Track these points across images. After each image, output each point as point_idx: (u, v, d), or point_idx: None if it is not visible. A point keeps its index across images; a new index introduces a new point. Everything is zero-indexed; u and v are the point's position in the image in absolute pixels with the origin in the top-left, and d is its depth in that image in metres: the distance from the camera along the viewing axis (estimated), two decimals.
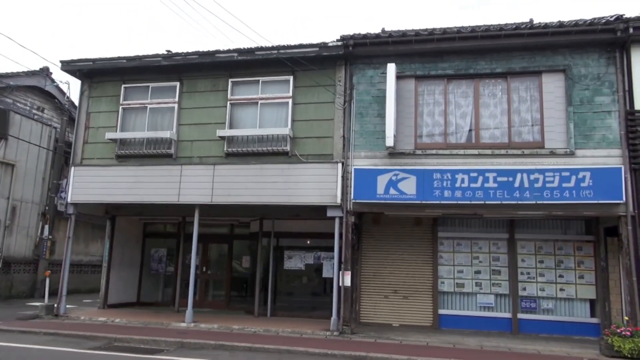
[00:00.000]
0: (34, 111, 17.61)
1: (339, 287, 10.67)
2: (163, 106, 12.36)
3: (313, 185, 10.93)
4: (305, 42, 11.66)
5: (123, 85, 12.65)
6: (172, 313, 12.84)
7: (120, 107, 12.57)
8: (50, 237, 16.92)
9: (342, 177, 10.83)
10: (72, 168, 12.41)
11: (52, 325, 10.36)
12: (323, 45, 11.28)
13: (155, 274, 15.02)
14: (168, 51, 13.14)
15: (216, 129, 11.85)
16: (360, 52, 11.24)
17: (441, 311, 11.46)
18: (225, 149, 11.66)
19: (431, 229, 11.79)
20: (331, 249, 12.72)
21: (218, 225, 14.41)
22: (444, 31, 10.78)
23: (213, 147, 11.84)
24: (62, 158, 17.71)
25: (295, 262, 12.89)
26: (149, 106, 12.40)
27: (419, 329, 11.05)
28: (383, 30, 12.46)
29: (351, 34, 11.23)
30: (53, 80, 18.25)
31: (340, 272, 10.64)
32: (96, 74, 12.85)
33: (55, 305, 12.03)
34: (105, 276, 13.47)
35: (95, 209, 13.26)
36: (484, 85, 10.96)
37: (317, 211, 11.64)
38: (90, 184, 12.17)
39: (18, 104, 17.03)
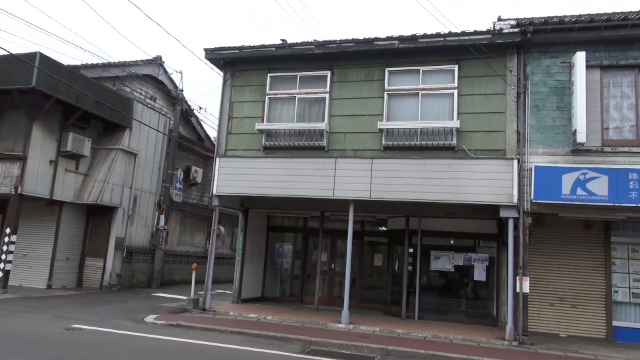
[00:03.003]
0: (148, 100, 17.50)
1: (514, 294, 9.91)
2: (312, 96, 11.84)
3: (484, 182, 10.18)
4: (472, 29, 10.88)
5: (269, 75, 12.19)
6: (312, 311, 12.40)
7: (267, 97, 12.13)
8: (166, 227, 16.82)
9: (519, 174, 10.04)
10: (217, 159, 12.07)
11: (212, 321, 10.01)
12: (497, 32, 10.49)
13: (279, 269, 14.65)
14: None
15: (370, 121, 11.26)
16: (538, 40, 10.37)
17: (615, 323, 10.54)
18: (383, 142, 11.03)
19: (603, 233, 10.83)
20: (483, 251, 12.14)
21: (341, 220, 13.85)
22: None
23: (368, 140, 11.24)
24: (175, 148, 17.56)
25: (442, 262, 12.19)
26: (297, 96, 11.90)
27: (590, 341, 10.16)
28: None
29: (528, 19, 10.40)
30: (165, 70, 18.10)
31: (517, 277, 9.86)
32: (240, 62, 12.45)
33: (201, 299, 11.77)
34: (240, 270, 13.12)
35: (233, 202, 12.89)
36: None
37: (476, 210, 10.95)
38: (235, 176, 11.80)
39: (135, 93, 16.95)
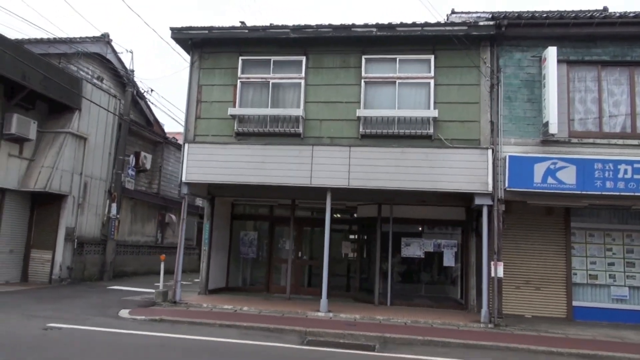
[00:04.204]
0: (95, 80, 16.34)
1: (489, 278, 10.31)
2: (287, 81, 11.55)
3: (460, 171, 10.44)
4: (446, 20, 11.04)
5: (240, 57, 11.74)
6: (284, 300, 12.24)
7: (239, 80, 11.68)
8: (117, 216, 15.89)
9: (493, 163, 10.39)
10: (186, 145, 11.51)
11: (190, 314, 9.62)
12: (473, 24, 10.71)
13: (243, 258, 14.30)
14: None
15: (347, 108, 11.19)
16: (511, 33, 10.69)
17: (575, 303, 11.28)
18: (360, 130, 11.00)
19: (564, 219, 11.52)
20: (451, 237, 12.53)
21: (307, 209, 13.81)
22: (605, 15, 10.37)
23: (345, 128, 11.16)
24: (126, 133, 16.58)
25: (413, 249, 12.43)
26: (271, 81, 11.56)
27: (554, 321, 10.81)
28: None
29: (502, 13, 10.71)
30: (114, 49, 16.97)
31: (492, 262, 10.25)
32: (209, 44, 11.88)
33: (170, 291, 11.27)
34: (207, 260, 12.66)
35: (200, 189, 12.35)
36: (639, 74, 10.64)
37: (449, 198, 11.25)
38: (206, 163, 11.31)
39: (81, 72, 15.76)
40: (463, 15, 16.14)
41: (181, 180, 11.43)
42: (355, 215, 13.80)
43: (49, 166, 13.47)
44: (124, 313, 9.24)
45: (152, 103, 18.96)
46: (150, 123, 20.06)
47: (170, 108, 63.85)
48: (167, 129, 25.81)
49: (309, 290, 13.48)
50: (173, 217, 20.31)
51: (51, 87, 13.22)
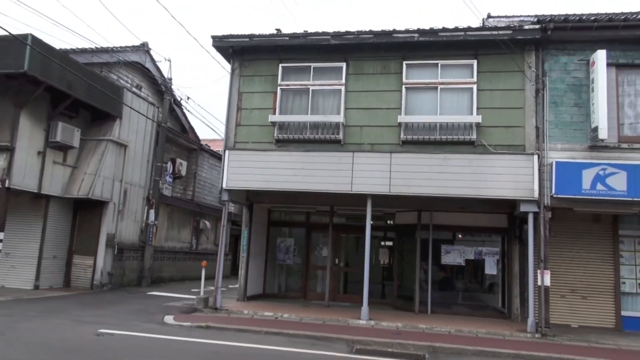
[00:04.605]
0: (134, 89, 16.64)
1: (535, 287, 10.06)
2: (327, 88, 11.54)
3: (505, 177, 10.24)
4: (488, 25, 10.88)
5: (280, 65, 11.79)
6: (323, 307, 12.18)
7: (278, 87, 11.73)
8: (156, 222, 16.11)
9: (539, 170, 10.16)
10: (226, 152, 11.59)
11: (234, 320, 9.64)
12: (518, 28, 10.53)
13: (279, 265, 14.32)
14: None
15: (387, 114, 11.12)
16: (556, 37, 10.48)
17: (624, 313, 10.91)
18: (401, 136, 10.90)
19: (611, 226, 11.17)
20: (492, 245, 12.29)
21: (343, 215, 13.76)
22: None
23: (386, 134, 11.08)
24: (164, 140, 16.82)
25: (453, 257, 12.23)
26: (311, 88, 11.58)
27: (602, 331, 10.47)
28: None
29: (547, 16, 10.51)
30: (152, 57, 17.27)
31: (539, 271, 10.00)
32: (249, 51, 11.98)
33: (210, 298, 11.34)
34: (245, 267, 12.69)
35: (239, 196, 12.41)
36: None
37: (491, 204, 11.06)
38: (246, 169, 11.37)
39: (121, 81, 16.08)
40: (502, 19, 15.89)
41: (222, 186, 11.50)
42: (390, 222, 13.68)
43: (91, 173, 13.76)
44: (169, 319, 9.32)
45: (188, 110, 19.18)
46: (185, 130, 20.34)
47: (204, 115, 65.05)
48: (200, 136, 26.24)
49: (345, 297, 13.42)
50: (207, 223, 20.50)
51: (94, 96, 13.52)
